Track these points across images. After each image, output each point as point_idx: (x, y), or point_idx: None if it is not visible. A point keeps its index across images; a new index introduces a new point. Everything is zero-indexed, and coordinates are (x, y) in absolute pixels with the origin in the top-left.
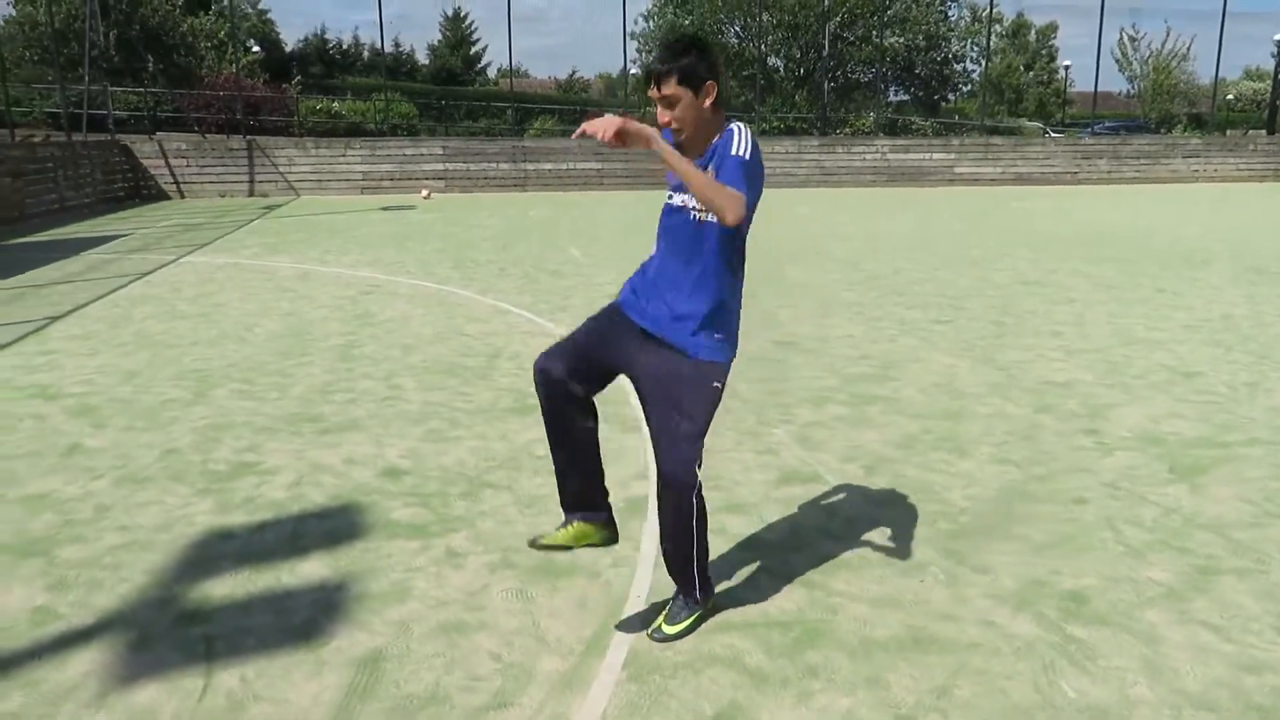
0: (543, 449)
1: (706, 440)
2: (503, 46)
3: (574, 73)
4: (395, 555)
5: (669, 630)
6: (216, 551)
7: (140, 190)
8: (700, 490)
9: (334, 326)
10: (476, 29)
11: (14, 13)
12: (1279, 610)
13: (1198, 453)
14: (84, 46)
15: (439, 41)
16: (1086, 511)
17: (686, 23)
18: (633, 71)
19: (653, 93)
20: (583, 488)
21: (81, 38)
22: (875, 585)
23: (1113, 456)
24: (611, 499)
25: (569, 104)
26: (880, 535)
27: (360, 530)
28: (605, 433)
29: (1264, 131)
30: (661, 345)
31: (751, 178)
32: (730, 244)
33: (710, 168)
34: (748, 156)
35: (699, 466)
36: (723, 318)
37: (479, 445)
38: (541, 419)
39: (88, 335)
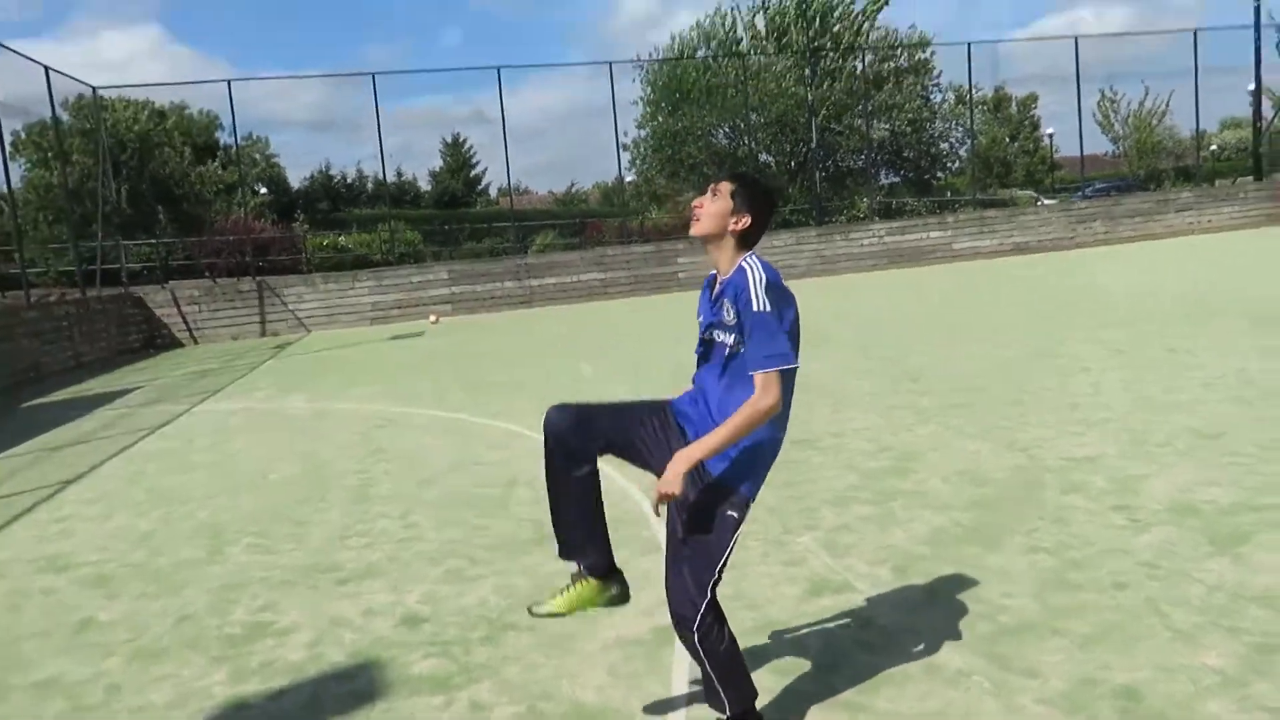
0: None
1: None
2: (502, 167)
3: (572, 185)
4: (417, 714)
5: None
6: None
7: (155, 340)
8: (706, 631)
9: (349, 465)
10: (475, 152)
11: (29, 176)
12: None
13: (1235, 520)
14: (97, 204)
15: (440, 167)
16: (1129, 596)
17: (678, 127)
18: (628, 179)
19: (710, 191)
20: (584, 539)
21: (94, 196)
22: (921, 701)
23: (1148, 533)
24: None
25: (570, 217)
26: (919, 644)
27: (380, 688)
28: (625, 556)
29: (1251, 178)
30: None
31: (776, 326)
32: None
33: (730, 306)
34: (768, 307)
35: (702, 601)
36: (745, 440)
37: (500, 583)
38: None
39: (101, 497)
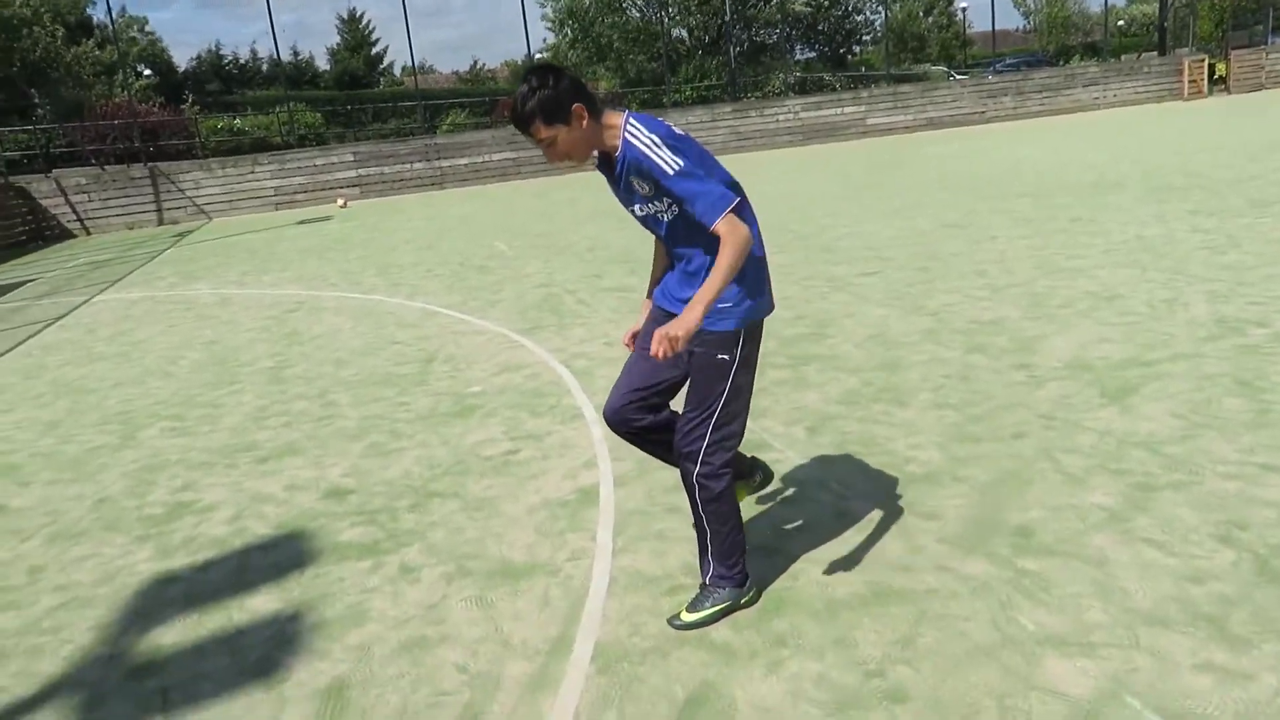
0: (489, 449)
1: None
2: (404, 44)
3: (477, 63)
4: (348, 578)
5: (686, 618)
6: (161, 598)
7: (43, 232)
8: (709, 474)
9: (261, 349)
10: (375, 29)
11: None
12: (1215, 519)
13: (1126, 374)
14: None
15: (338, 45)
16: (1025, 445)
17: (587, 2)
18: (538, 55)
19: (530, 139)
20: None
21: None
22: (833, 545)
23: (1045, 388)
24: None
25: (478, 95)
26: (831, 494)
27: (308, 557)
28: (547, 425)
29: (1155, 54)
30: None
31: (700, 173)
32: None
33: (639, 181)
34: (680, 162)
35: (705, 444)
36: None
37: (422, 454)
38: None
39: (1, 390)
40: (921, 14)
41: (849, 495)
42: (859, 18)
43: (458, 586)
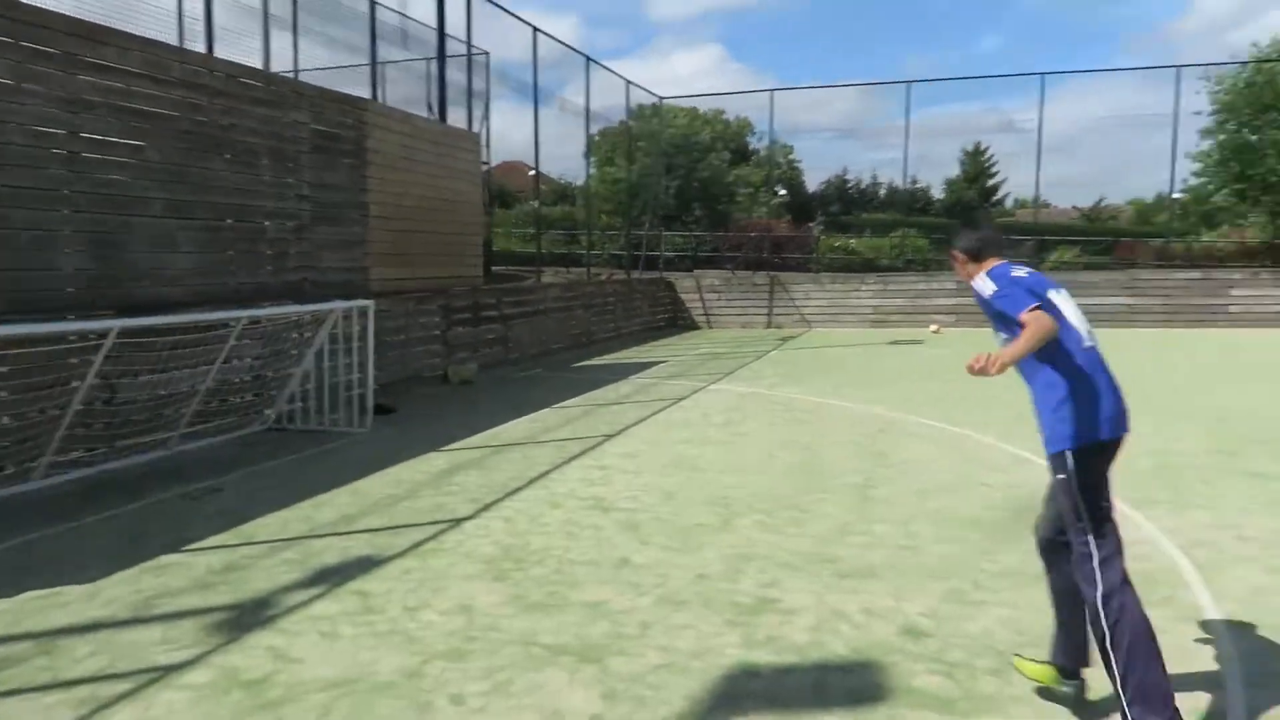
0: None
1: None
2: (1024, 178)
3: (1101, 200)
4: None
5: None
6: (744, 689)
7: (677, 320)
8: (1107, 592)
9: (849, 464)
10: (996, 163)
11: (594, 174)
12: None
13: None
14: (649, 199)
15: (956, 176)
16: None
17: (1254, 139)
18: (1176, 195)
19: None
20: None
21: (649, 191)
22: None
23: None
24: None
25: (1095, 236)
26: None
27: (882, 693)
28: (1159, 622)
29: None
30: None
31: (1001, 302)
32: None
33: (984, 312)
34: (994, 286)
35: (1096, 561)
36: (1045, 412)
37: (1008, 615)
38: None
39: (633, 454)
40: None
41: None
42: None
43: None
